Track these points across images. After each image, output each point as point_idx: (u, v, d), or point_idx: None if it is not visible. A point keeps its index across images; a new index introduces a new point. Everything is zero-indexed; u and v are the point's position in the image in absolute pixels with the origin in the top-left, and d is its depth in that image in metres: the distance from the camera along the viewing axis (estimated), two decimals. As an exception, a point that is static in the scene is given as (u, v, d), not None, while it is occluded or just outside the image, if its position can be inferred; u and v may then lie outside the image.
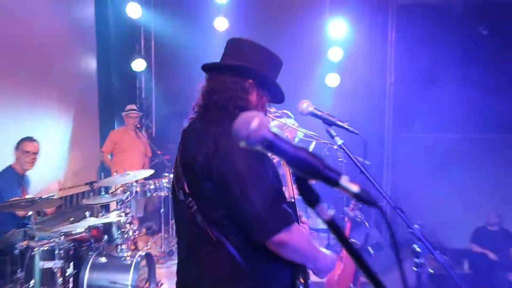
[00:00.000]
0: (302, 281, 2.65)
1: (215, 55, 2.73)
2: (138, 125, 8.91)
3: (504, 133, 10.31)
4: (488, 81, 9.42)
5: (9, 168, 6.18)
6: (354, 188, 1.30)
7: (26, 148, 6.14)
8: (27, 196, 5.67)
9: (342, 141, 3.25)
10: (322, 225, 8.72)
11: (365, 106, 10.31)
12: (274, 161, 5.07)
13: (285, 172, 3.67)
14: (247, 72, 2.63)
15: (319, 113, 3.15)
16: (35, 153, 6.20)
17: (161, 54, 11.08)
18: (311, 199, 1.32)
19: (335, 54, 10.16)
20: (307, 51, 10.20)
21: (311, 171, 1.30)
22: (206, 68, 2.74)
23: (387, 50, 10.41)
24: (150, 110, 11.33)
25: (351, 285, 5.17)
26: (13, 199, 5.44)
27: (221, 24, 10.10)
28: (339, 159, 7.02)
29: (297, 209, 2.96)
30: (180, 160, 2.64)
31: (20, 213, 5.74)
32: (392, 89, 10.45)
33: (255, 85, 2.66)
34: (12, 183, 6.07)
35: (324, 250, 2.70)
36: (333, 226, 1.35)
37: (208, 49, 9.61)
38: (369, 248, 8.08)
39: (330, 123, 3.18)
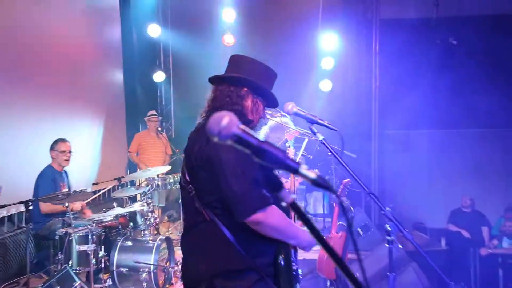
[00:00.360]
0: (283, 256, 2.66)
1: (224, 67, 2.84)
2: (159, 128, 9.01)
3: (476, 128, 10.36)
4: (459, 84, 9.49)
5: (49, 167, 6.17)
6: (312, 175, 1.35)
7: (61, 148, 6.19)
8: (64, 190, 5.77)
9: (323, 137, 3.28)
10: (320, 211, 8.78)
11: (354, 107, 10.43)
12: None
13: None
14: (242, 82, 2.70)
15: (302, 113, 3.18)
16: (70, 152, 6.25)
17: (178, 67, 11.08)
18: (275, 186, 1.43)
19: (327, 63, 10.20)
20: (303, 60, 10.25)
21: (275, 161, 1.35)
22: (211, 80, 2.82)
23: (371, 59, 10.33)
24: (170, 115, 11.35)
25: None
26: (53, 193, 5.54)
27: (229, 40, 10.12)
28: (328, 153, 7.06)
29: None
30: (184, 155, 2.71)
31: (43, 208, 5.89)
32: (377, 92, 10.44)
33: (250, 92, 2.72)
34: (52, 179, 6.07)
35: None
36: (295, 208, 1.42)
37: (217, 61, 9.70)
38: (359, 229, 8.15)
39: (312, 122, 3.22)
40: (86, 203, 6.52)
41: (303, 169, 1.35)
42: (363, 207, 10.44)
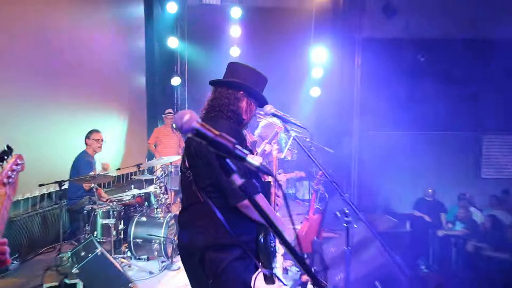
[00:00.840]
0: (263, 235, 2.64)
1: None
2: (174, 124, 9.01)
3: (438, 131, 10.42)
4: (425, 94, 9.54)
5: (84, 152, 6.20)
6: (256, 163, 1.42)
7: (96, 137, 6.20)
8: (90, 174, 5.80)
9: (295, 134, 3.28)
10: (306, 196, 8.81)
11: (338, 111, 10.41)
12: (266, 152, 5.25)
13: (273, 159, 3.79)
14: (238, 86, 2.67)
15: (278, 113, 3.12)
16: (102, 140, 6.28)
17: (192, 73, 11.03)
18: (228, 171, 1.42)
19: (317, 73, 10.22)
20: (296, 70, 10.27)
21: (226, 151, 1.39)
22: (212, 83, 2.79)
23: (354, 70, 10.34)
24: (184, 113, 11.26)
25: (315, 237, 5.17)
26: (81, 176, 5.62)
27: (235, 51, 10.19)
28: (312, 148, 7.04)
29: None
30: (185, 144, 2.70)
31: (86, 185, 5.93)
32: (358, 98, 10.41)
33: (245, 95, 2.69)
34: (87, 163, 6.11)
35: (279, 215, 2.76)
36: (244, 192, 1.46)
37: (224, 69, 9.99)
38: (337, 213, 8.18)
39: (285, 121, 3.19)
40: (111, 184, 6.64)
41: (249, 157, 1.41)
42: (344, 192, 10.54)
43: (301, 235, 5.33)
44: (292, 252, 1.48)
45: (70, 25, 7.04)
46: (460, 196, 9.38)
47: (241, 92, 2.68)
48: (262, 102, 2.84)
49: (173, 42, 10.07)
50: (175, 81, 10.27)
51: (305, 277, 4.72)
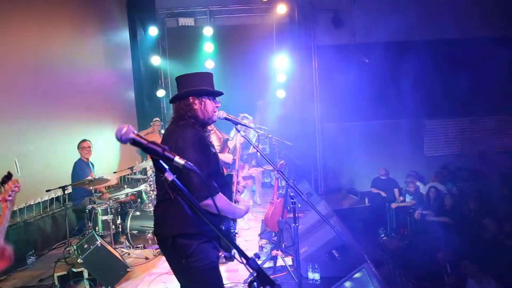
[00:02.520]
0: (224, 224, 2.70)
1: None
2: (161, 130, 9.12)
3: (390, 119, 10.70)
4: (375, 89, 9.77)
5: (80, 159, 6.27)
6: (182, 162, 1.51)
7: (83, 145, 6.26)
8: (88, 178, 5.83)
9: (244, 133, 3.18)
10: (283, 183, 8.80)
11: (302, 108, 10.53)
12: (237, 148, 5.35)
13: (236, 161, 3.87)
14: (185, 94, 2.63)
15: (229, 117, 3.08)
16: (89, 147, 6.30)
17: (175, 85, 10.68)
18: (160, 171, 1.50)
19: (281, 77, 10.26)
20: (263, 76, 10.30)
21: (157, 154, 1.46)
22: (170, 101, 2.78)
23: (312, 73, 10.55)
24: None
25: (280, 218, 5.25)
26: (83, 180, 5.71)
27: (210, 64, 10.20)
28: (274, 143, 7.03)
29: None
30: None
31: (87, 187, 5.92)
32: (318, 97, 10.59)
33: (195, 98, 2.63)
34: (83, 168, 6.19)
35: (240, 206, 2.79)
36: (174, 185, 1.54)
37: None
38: (303, 195, 8.29)
39: (235, 123, 3.12)
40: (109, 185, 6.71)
41: (176, 158, 1.50)
42: (313, 180, 10.76)
43: (267, 216, 5.50)
44: (230, 242, 1.65)
45: (66, 52, 7.12)
46: (409, 173, 9.70)
47: (190, 98, 2.64)
48: (214, 93, 2.75)
49: (156, 60, 10.12)
50: (160, 93, 10.31)
51: (274, 252, 4.87)
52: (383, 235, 9.24)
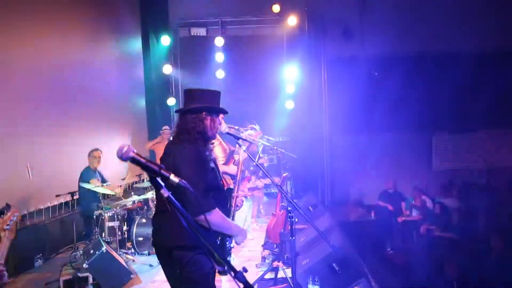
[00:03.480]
0: (220, 238, 2.74)
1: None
2: (171, 138, 9.09)
3: (396, 133, 10.71)
4: (382, 102, 9.77)
5: (88, 168, 6.36)
6: (176, 180, 1.61)
7: (95, 154, 6.38)
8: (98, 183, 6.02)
9: (245, 147, 3.24)
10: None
11: (310, 119, 10.48)
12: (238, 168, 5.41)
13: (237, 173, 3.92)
14: (200, 109, 2.66)
15: (231, 132, 3.21)
16: (100, 157, 6.43)
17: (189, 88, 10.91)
18: (157, 187, 1.59)
19: (290, 88, 10.27)
20: (272, 86, 10.34)
21: (154, 172, 1.57)
22: (178, 111, 2.86)
23: (322, 84, 10.59)
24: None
25: (282, 230, 5.22)
26: (91, 181, 5.92)
27: (220, 74, 10.27)
28: (279, 155, 7.03)
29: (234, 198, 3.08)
30: (161, 158, 2.72)
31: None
32: (327, 108, 10.61)
33: (208, 114, 2.68)
34: (91, 176, 6.26)
35: (238, 224, 2.84)
36: (170, 201, 1.60)
37: (212, 89, 10.15)
38: (310, 207, 8.30)
39: (237, 138, 3.22)
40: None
41: (171, 176, 1.60)
42: (320, 192, 10.78)
43: (269, 228, 5.57)
44: (220, 256, 1.73)
45: (81, 61, 7.32)
46: (414, 187, 9.68)
47: (204, 113, 2.68)
48: (223, 111, 2.84)
49: (167, 69, 10.21)
50: (171, 101, 10.40)
51: (275, 263, 4.93)
52: (389, 249, 9.22)
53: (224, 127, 3.13)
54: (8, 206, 2.40)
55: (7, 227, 2.32)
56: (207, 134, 2.72)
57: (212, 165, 2.72)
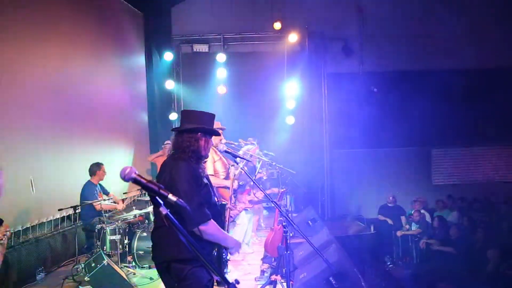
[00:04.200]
0: (216, 250, 2.82)
1: (217, 108, 3.04)
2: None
3: (397, 147, 10.81)
4: (382, 117, 9.94)
5: (89, 182, 6.42)
6: (173, 199, 1.71)
7: (103, 168, 6.53)
8: (99, 199, 6.10)
9: (242, 164, 3.38)
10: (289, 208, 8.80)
11: (310, 134, 10.65)
12: (242, 173, 5.52)
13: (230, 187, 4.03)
14: (197, 130, 2.80)
15: (229, 150, 3.31)
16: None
17: (186, 109, 10.98)
18: (155, 204, 1.70)
19: (290, 104, 10.38)
20: (273, 102, 10.47)
21: (153, 192, 1.67)
22: (174, 130, 2.96)
23: (322, 100, 10.73)
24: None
25: (280, 244, 5.06)
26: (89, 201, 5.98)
27: (221, 90, 10.36)
28: (277, 171, 7.10)
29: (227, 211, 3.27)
30: (158, 175, 2.85)
31: (97, 207, 6.10)
32: (327, 124, 10.76)
33: (203, 135, 2.82)
34: (92, 190, 6.34)
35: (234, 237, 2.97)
36: (167, 218, 1.70)
37: (214, 104, 10.11)
38: (309, 222, 8.31)
39: (234, 156, 3.36)
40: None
41: (169, 196, 1.70)
42: (320, 206, 10.84)
43: (267, 242, 5.65)
44: (213, 268, 1.82)
45: (84, 76, 7.40)
46: (413, 201, 9.76)
47: (199, 133, 2.82)
48: (214, 134, 2.97)
49: (170, 84, 10.33)
50: (173, 116, 10.47)
51: (273, 277, 5.00)
52: (389, 263, 9.26)
53: (221, 146, 3.26)
54: (0, 221, 2.46)
55: (1, 241, 2.37)
56: (201, 153, 2.86)
57: (206, 181, 2.84)
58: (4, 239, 2.41)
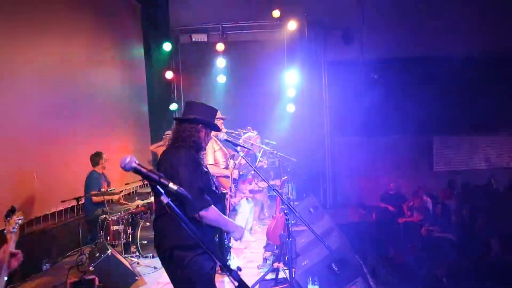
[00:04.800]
0: (217, 236, 2.87)
1: (217, 97, 3.07)
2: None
3: (396, 134, 10.83)
4: (384, 101, 9.92)
5: (94, 171, 6.49)
6: (174, 187, 1.73)
7: (105, 157, 6.57)
8: (102, 189, 6.18)
9: (243, 153, 3.41)
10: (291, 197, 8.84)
11: (311, 122, 10.64)
12: (242, 164, 5.57)
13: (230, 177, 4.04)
14: (198, 121, 2.85)
15: (230, 139, 3.32)
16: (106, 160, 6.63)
17: (186, 99, 10.69)
18: (156, 193, 1.72)
19: (291, 92, 10.37)
20: (273, 91, 10.46)
21: (154, 181, 1.69)
22: (175, 119, 3.03)
23: (322, 88, 10.73)
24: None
25: (282, 232, 5.18)
26: (93, 192, 6.04)
27: (221, 79, 10.36)
28: (279, 159, 7.12)
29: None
30: (158, 163, 2.87)
31: (98, 199, 6.19)
32: (327, 111, 10.79)
33: (203, 127, 2.88)
34: (97, 180, 6.42)
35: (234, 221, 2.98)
36: (169, 207, 1.72)
37: (213, 94, 10.22)
38: (311, 209, 8.42)
39: (235, 145, 3.39)
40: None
41: (170, 184, 1.73)
42: (321, 194, 10.91)
43: (269, 230, 5.72)
44: (215, 255, 1.84)
45: (84, 67, 7.44)
46: (419, 187, 9.80)
47: (200, 125, 2.88)
48: (214, 128, 3.04)
49: (169, 75, 10.34)
50: (173, 106, 10.50)
51: (276, 264, 5.06)
52: (390, 250, 9.32)
53: (222, 135, 3.26)
54: (13, 209, 2.50)
55: (14, 229, 2.42)
56: (201, 144, 2.92)
57: (205, 169, 2.89)
58: (16, 227, 2.44)
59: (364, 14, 10.27)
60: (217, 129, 3.08)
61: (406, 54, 10.19)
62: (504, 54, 10.11)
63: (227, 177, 5.22)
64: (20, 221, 2.49)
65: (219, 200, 3.03)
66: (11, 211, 2.48)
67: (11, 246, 2.39)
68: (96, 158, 6.58)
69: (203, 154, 3.12)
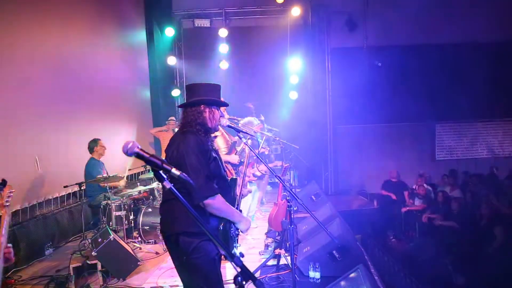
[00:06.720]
0: (223, 225, 2.81)
1: (220, 83, 3.01)
2: (176, 129, 9.17)
3: (399, 122, 10.81)
4: (387, 88, 9.91)
5: (92, 158, 6.39)
6: (177, 173, 1.68)
7: (101, 144, 6.43)
8: (104, 175, 6.11)
9: (245, 140, 3.33)
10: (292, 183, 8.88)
11: (314, 109, 10.61)
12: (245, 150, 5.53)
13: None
14: (198, 102, 2.81)
15: (232, 125, 3.25)
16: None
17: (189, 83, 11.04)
18: (159, 179, 1.69)
19: (294, 79, 10.37)
20: (276, 78, 10.43)
21: (156, 166, 1.64)
22: (180, 106, 2.99)
23: (325, 75, 10.67)
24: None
25: (284, 218, 5.29)
26: (98, 176, 5.94)
27: (224, 65, 10.35)
28: (281, 146, 7.09)
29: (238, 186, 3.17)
30: (166, 149, 2.84)
31: (102, 184, 6.06)
32: (331, 99, 10.74)
33: (206, 106, 2.82)
34: (97, 166, 6.32)
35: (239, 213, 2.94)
36: (172, 192, 1.68)
37: (216, 80, 10.17)
38: (312, 196, 8.41)
39: (238, 131, 3.32)
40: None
41: (173, 170, 1.68)
42: (323, 181, 10.95)
43: (271, 217, 5.73)
44: (218, 242, 1.82)
45: (85, 52, 7.38)
46: (418, 176, 9.80)
47: (202, 106, 2.83)
48: (221, 104, 2.95)
49: (171, 60, 10.32)
50: (175, 92, 10.51)
51: (277, 251, 5.08)
52: (392, 237, 9.36)
53: (224, 121, 3.18)
54: (4, 182, 2.44)
55: (7, 203, 2.36)
56: (207, 125, 2.85)
57: (214, 154, 2.84)
58: (9, 200, 2.39)
59: (368, 0, 10.17)
60: (222, 104, 2.95)
61: (410, 41, 10.14)
62: (509, 42, 9.99)
63: (228, 163, 5.21)
64: (11, 193, 2.43)
65: (229, 187, 3.00)
66: (2, 184, 2.42)
67: (7, 222, 2.33)
68: (91, 144, 6.50)
69: (215, 138, 3.05)
